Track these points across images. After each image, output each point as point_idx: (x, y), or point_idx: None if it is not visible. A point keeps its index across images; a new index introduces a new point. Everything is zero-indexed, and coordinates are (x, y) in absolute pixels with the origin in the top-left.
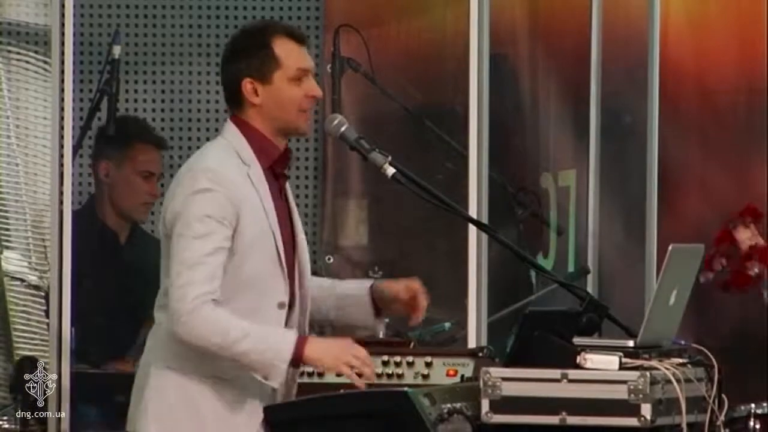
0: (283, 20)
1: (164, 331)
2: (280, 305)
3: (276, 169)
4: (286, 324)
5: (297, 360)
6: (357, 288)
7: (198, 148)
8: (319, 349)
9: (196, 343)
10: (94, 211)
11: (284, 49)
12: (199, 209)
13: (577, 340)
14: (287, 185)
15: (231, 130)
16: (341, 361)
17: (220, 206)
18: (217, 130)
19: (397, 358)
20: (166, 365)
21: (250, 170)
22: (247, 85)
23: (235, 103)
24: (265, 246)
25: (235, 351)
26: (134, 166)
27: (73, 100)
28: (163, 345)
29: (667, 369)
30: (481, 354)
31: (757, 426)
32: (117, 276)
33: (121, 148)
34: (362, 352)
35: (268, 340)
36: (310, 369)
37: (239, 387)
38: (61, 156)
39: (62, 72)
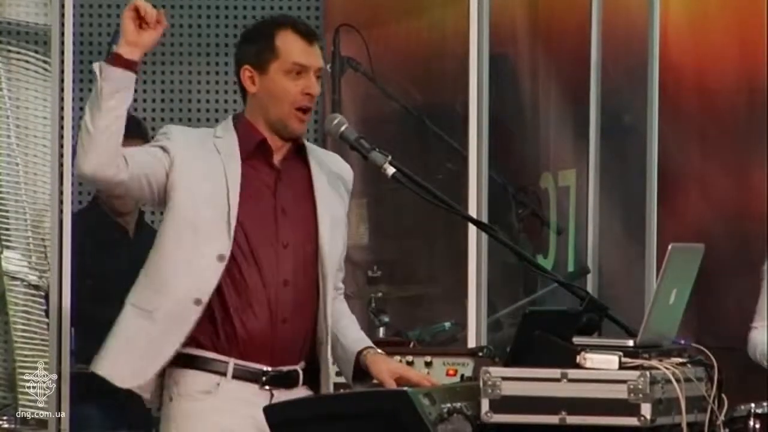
0: None
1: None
2: (219, 257)
3: (266, 149)
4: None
5: (115, 55)
6: (350, 343)
7: None
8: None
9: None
10: (99, 206)
11: (285, 41)
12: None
13: (577, 340)
14: (314, 182)
15: (224, 121)
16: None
17: (160, 141)
18: None
19: (397, 358)
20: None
21: (218, 141)
22: (245, 72)
23: (241, 89)
24: (212, 199)
25: (94, 117)
26: None
27: (73, 100)
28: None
29: (666, 369)
30: (480, 354)
31: (757, 426)
32: (128, 268)
33: None
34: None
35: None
36: None
37: (162, 317)
38: (61, 156)
39: (62, 72)
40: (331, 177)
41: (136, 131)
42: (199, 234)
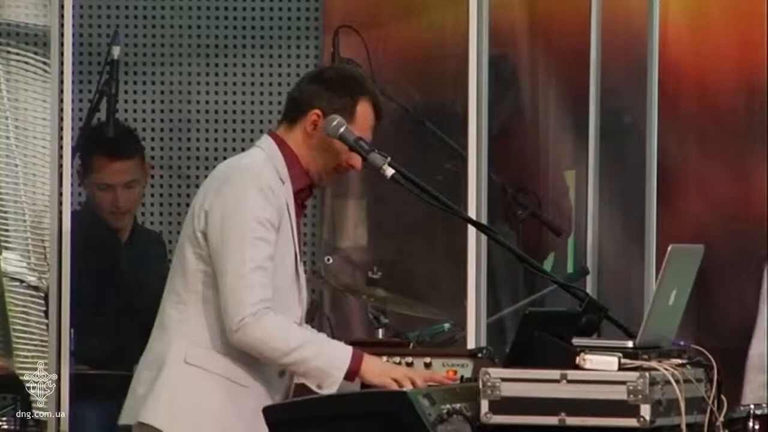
0: (282, 21)
1: (187, 323)
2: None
3: (302, 196)
4: None
5: (353, 372)
6: None
7: (197, 148)
8: (375, 364)
9: (255, 347)
10: (93, 211)
11: (363, 113)
12: (256, 210)
13: (577, 341)
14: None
15: (269, 143)
16: (393, 377)
17: (271, 212)
18: (216, 130)
19: (397, 359)
20: (186, 361)
21: (284, 187)
22: (314, 115)
23: (292, 119)
24: (287, 263)
25: (294, 358)
26: (91, 179)
27: (73, 101)
28: (184, 340)
29: (666, 370)
30: (480, 355)
31: (756, 427)
32: (120, 274)
33: (84, 160)
34: (414, 373)
35: (325, 349)
36: None
37: (257, 392)
38: (61, 157)
39: (61, 73)
40: None
41: (133, 147)
42: (281, 304)
